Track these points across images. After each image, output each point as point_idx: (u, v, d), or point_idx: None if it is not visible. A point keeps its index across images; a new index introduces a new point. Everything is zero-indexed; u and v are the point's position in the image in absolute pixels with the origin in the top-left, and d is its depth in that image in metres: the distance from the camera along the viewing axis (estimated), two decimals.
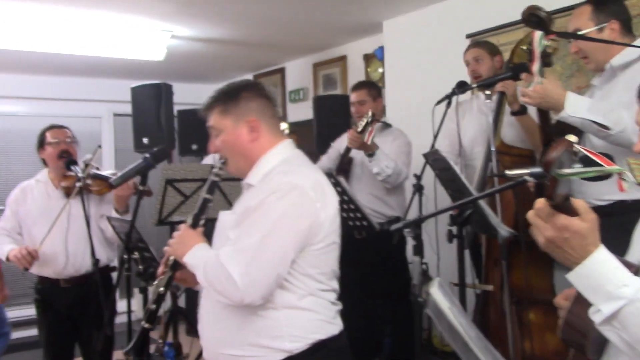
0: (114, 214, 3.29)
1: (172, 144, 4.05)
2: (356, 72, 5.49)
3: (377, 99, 4.00)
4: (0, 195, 5.26)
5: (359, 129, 3.62)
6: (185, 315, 4.53)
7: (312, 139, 4.91)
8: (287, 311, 1.86)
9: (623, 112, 2.22)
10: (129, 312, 3.14)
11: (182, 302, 5.24)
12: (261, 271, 1.77)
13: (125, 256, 2.83)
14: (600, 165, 1.19)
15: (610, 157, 1.35)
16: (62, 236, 3.31)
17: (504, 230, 2.41)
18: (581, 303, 1.47)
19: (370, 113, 3.69)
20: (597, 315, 1.25)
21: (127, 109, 5.25)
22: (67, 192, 3.33)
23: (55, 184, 3.43)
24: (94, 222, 3.32)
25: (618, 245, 1.54)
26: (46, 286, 3.40)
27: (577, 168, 1.17)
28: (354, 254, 3.28)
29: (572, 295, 1.55)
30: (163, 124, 4.35)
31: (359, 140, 3.62)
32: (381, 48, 5.06)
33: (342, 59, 5.68)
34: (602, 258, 1.25)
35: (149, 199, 3.04)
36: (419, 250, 2.23)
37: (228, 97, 1.99)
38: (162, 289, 2.06)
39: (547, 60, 2.33)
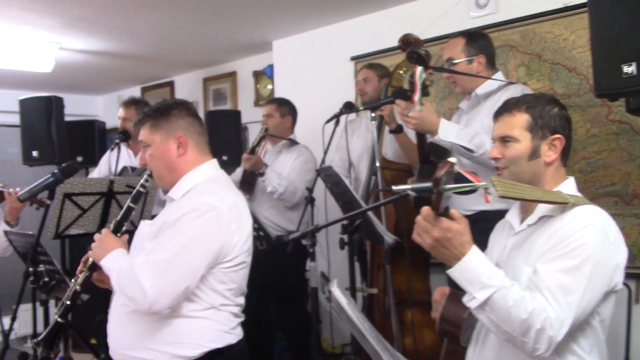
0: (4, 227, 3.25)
1: (65, 157, 4.01)
2: (246, 88, 5.66)
3: (285, 115, 4.07)
4: None
5: (255, 143, 3.78)
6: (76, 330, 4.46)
7: None
8: (189, 320, 1.99)
9: (485, 137, 2.57)
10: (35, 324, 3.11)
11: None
12: (171, 284, 1.89)
13: (31, 269, 2.82)
14: (472, 182, 1.43)
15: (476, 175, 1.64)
16: None
17: (389, 237, 2.68)
18: (453, 300, 1.77)
19: (263, 128, 3.87)
20: (473, 301, 1.56)
21: (12, 119, 5.10)
22: None
23: None
24: None
25: (481, 248, 1.87)
26: None
27: (455, 184, 1.41)
28: (254, 264, 3.45)
29: (445, 292, 1.85)
30: (54, 138, 4.29)
31: (251, 159, 3.75)
32: (271, 66, 5.26)
33: (232, 74, 5.82)
34: (475, 255, 1.56)
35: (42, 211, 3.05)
36: (314, 257, 2.47)
37: (159, 114, 2.10)
38: (78, 287, 2.15)
39: (425, 90, 2.63)
